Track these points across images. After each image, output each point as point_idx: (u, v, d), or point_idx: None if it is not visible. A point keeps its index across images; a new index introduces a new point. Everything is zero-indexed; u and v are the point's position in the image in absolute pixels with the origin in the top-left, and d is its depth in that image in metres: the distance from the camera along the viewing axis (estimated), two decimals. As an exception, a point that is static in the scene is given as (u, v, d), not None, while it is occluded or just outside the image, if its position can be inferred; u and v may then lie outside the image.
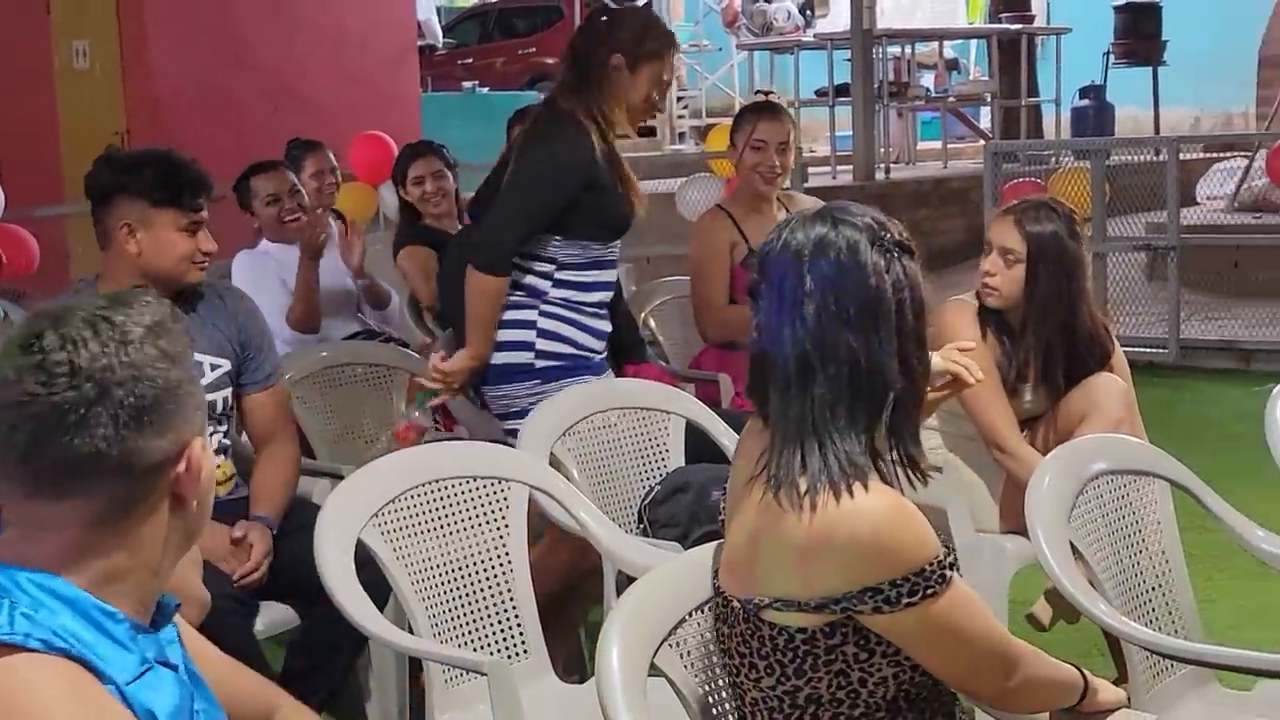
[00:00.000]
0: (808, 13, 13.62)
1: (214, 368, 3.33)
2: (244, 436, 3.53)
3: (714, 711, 2.06)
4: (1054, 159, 11.08)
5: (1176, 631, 2.73)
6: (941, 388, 2.17)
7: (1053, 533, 2.57)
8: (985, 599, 3.45)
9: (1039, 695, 2.00)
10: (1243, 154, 10.84)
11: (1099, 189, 8.17)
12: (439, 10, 17.83)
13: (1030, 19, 13.49)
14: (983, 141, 11.95)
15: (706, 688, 2.05)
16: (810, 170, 11.38)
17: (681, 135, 14.88)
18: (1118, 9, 13.19)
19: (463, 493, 2.87)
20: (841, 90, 11.48)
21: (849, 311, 1.87)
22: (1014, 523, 3.36)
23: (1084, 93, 13.39)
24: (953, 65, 14.40)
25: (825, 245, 1.91)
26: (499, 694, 2.45)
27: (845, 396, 1.87)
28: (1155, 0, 13.07)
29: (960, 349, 2.17)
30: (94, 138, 8.32)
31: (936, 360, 2.12)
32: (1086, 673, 2.06)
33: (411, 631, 2.73)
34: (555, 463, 3.31)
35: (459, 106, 12.88)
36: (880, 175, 11.20)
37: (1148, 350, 8.18)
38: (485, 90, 15.17)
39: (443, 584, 2.79)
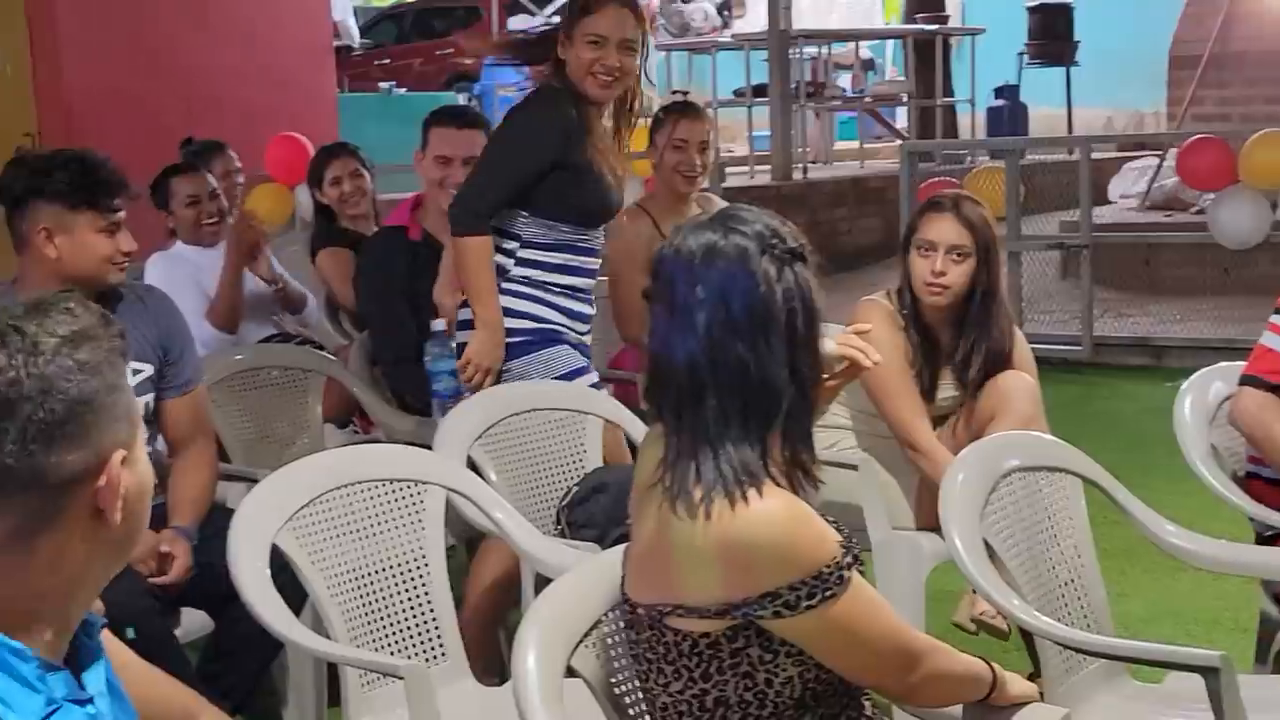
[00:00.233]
0: (725, 13, 13.67)
1: (135, 372, 3.27)
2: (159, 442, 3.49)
3: (631, 712, 2.06)
4: (969, 158, 11.21)
5: (1089, 626, 2.76)
6: (839, 374, 2.17)
7: (966, 530, 2.59)
8: (903, 595, 3.56)
9: (945, 689, 2.02)
10: (1154, 153, 11.00)
11: (1013, 188, 8.26)
12: (355, 10, 17.70)
13: (944, 19, 13.63)
14: (899, 141, 12.05)
15: (623, 689, 2.05)
16: (728, 170, 11.43)
17: (600, 135, 14.86)
18: (1031, 10, 13.35)
19: (379, 495, 2.85)
20: (759, 90, 11.53)
21: (738, 321, 1.87)
22: (929, 520, 3.39)
23: (999, 93, 13.55)
24: (869, 66, 14.52)
25: (715, 253, 1.90)
26: (415, 698, 2.43)
27: (737, 406, 1.87)
28: (1067, 1, 13.23)
29: (857, 331, 2.17)
30: (3, 139, 8.18)
31: (831, 346, 2.11)
32: (996, 666, 2.08)
33: (328, 636, 2.71)
34: (473, 465, 3.30)
35: (376, 107, 12.79)
36: (798, 175, 11.26)
37: (1062, 348, 8.28)
38: (403, 91, 15.08)
39: (359, 587, 2.77)
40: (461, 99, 15.24)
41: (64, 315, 1.53)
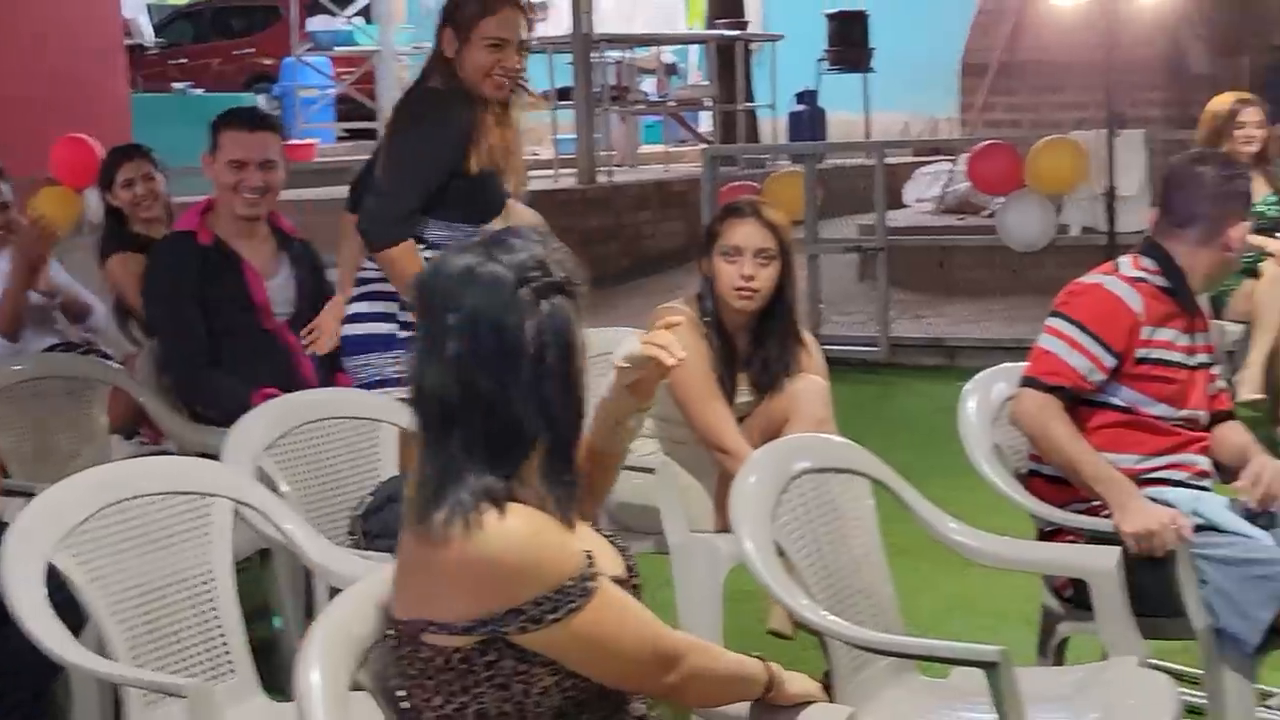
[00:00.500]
0: (529, 17, 13.65)
1: None
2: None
3: (417, 726, 2.03)
4: (770, 163, 11.36)
5: (878, 623, 2.81)
6: (647, 373, 2.17)
7: (757, 532, 2.62)
8: (700, 597, 3.59)
9: (710, 688, 2.03)
10: (948, 158, 11.28)
11: (811, 192, 8.40)
12: (149, 8, 17.24)
13: (745, 25, 13.81)
14: (703, 145, 12.18)
15: (408, 704, 2.02)
16: (532, 174, 11.41)
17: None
18: (829, 17, 13.60)
19: (162, 509, 2.76)
20: (563, 94, 11.53)
21: (486, 352, 1.87)
22: (728, 522, 3.42)
23: (799, 98, 13.78)
24: (672, 70, 14.64)
25: (470, 279, 1.89)
26: (199, 717, 2.37)
27: (481, 439, 1.87)
28: (863, 9, 13.52)
29: (666, 325, 2.17)
30: None
31: (635, 347, 2.12)
32: (774, 666, 2.10)
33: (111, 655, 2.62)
34: (264, 476, 3.23)
35: (171, 108, 12.48)
36: (603, 178, 11.29)
37: (860, 348, 8.44)
38: (200, 91, 14.75)
39: (143, 605, 2.68)
40: (261, 100, 14.97)
41: None
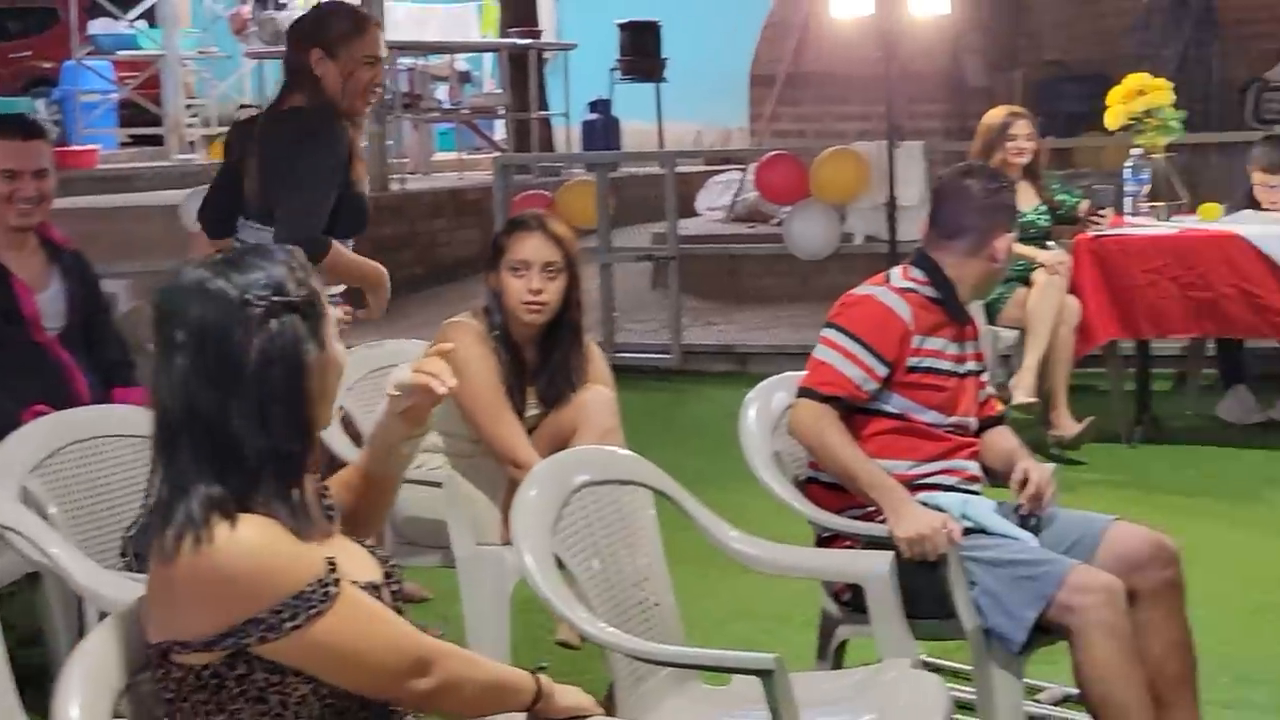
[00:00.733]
0: (319, 22, 13.44)
1: None
2: None
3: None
4: (565, 171, 11.39)
5: (660, 634, 2.83)
6: (419, 402, 2.16)
7: (537, 545, 2.62)
8: (488, 609, 3.57)
9: (467, 698, 2.01)
10: (738, 167, 11.44)
11: (603, 201, 8.44)
12: (-80, 9, 16.55)
13: (538, 34, 13.80)
14: (497, 154, 12.14)
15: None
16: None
17: (192, 144, 14.39)
18: (621, 27, 13.68)
19: (-82, 536, 2.65)
20: (355, 101, 11.38)
21: (210, 369, 1.86)
22: (515, 534, 3.41)
23: (592, 107, 13.83)
24: (466, 78, 14.54)
25: (199, 295, 1.88)
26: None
27: (207, 455, 1.87)
28: (655, 20, 13.62)
29: (439, 353, 2.17)
30: None
31: (406, 374, 2.13)
32: (543, 678, 2.10)
33: None
34: (30, 497, 3.12)
35: (-57, 112, 11.97)
36: (396, 186, 11.19)
37: (653, 356, 8.51)
38: (-27, 95, 14.21)
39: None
40: (40, 105, 14.48)
41: None
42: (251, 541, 1.83)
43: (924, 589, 3.06)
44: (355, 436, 3.90)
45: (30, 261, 4.10)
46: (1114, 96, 6.45)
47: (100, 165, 12.94)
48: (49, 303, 4.09)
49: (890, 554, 3.02)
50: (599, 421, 3.62)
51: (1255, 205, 6.55)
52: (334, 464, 2.72)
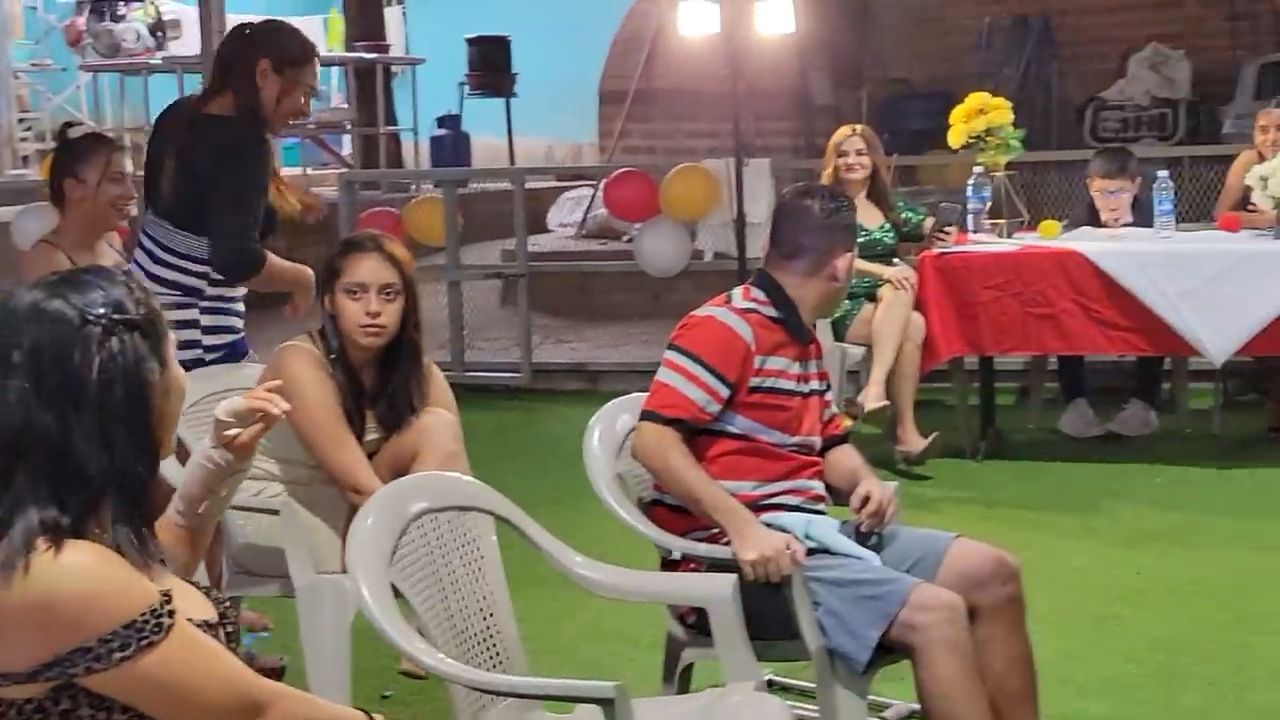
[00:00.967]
0: (158, 35, 13.16)
1: None
2: None
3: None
4: (414, 187, 11.29)
5: (502, 662, 2.80)
6: (250, 432, 2.11)
7: (373, 575, 2.57)
8: (327, 639, 3.50)
9: None
10: (589, 183, 11.46)
11: (452, 218, 8.38)
12: None
13: (385, 48, 13.68)
14: (344, 169, 12.00)
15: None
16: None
17: (25, 159, 14.00)
18: (470, 41, 13.61)
19: None
20: (194, 116, 11.16)
21: (48, 391, 1.81)
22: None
23: (441, 122, 13.74)
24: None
25: (35, 315, 1.83)
26: None
27: (46, 479, 1.81)
28: (504, 35, 13.59)
29: (269, 387, 2.13)
30: None
31: (240, 402, 2.10)
32: (377, 716, 2.06)
33: None
34: None
35: None
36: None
37: (504, 375, 8.48)
38: None
39: None
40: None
41: None
42: (81, 566, 1.77)
43: (768, 610, 3.07)
44: (190, 464, 3.81)
45: None
46: (956, 115, 6.57)
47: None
48: None
49: (734, 576, 3.03)
50: (440, 445, 3.58)
51: (1095, 219, 6.72)
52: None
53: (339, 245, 3.78)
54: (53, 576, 1.75)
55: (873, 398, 6.16)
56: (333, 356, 3.65)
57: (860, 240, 5.97)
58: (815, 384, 3.42)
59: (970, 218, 6.54)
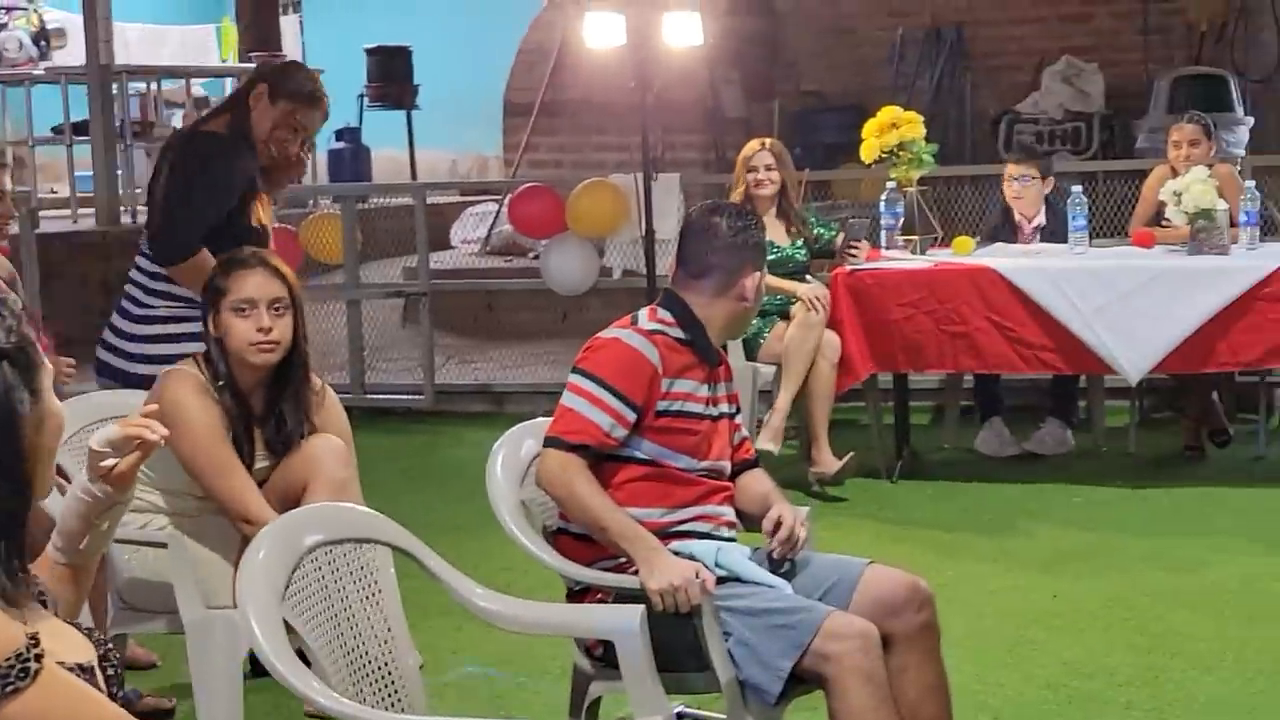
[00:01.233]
0: (42, 44, 12.95)
1: None
2: None
3: None
4: (311, 203, 11.19)
5: (400, 699, 2.78)
6: (128, 461, 2.07)
7: (264, 612, 2.54)
8: (219, 676, 3.45)
9: None
10: (495, 198, 11.41)
11: (351, 235, 8.32)
12: None
13: (280, 58, 13.55)
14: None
15: None
16: (49, 214, 10.83)
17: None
18: (369, 51, 13.53)
19: None
20: (81, 128, 11.00)
21: None
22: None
23: (339, 135, 13.63)
24: (203, 104, 14.20)
25: None
26: None
27: None
28: (406, 45, 13.52)
29: (146, 414, 2.09)
30: None
31: (114, 430, 2.06)
32: None
33: None
34: None
35: None
36: (127, 219, 10.84)
37: (405, 397, 8.42)
38: None
39: None
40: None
41: None
42: None
43: (678, 641, 3.06)
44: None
45: None
46: (868, 130, 6.63)
47: None
48: None
49: (641, 607, 3.01)
50: (331, 474, 3.55)
51: (1009, 227, 6.82)
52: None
53: (220, 264, 3.74)
54: None
55: (767, 434, 6.14)
56: (221, 383, 3.61)
57: (772, 257, 6.05)
58: (725, 407, 3.42)
59: (883, 234, 6.60)
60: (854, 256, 6.38)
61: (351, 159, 13.36)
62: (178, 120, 13.44)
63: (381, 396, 8.40)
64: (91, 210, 10.74)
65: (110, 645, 2.01)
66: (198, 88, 13.81)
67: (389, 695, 2.76)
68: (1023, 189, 6.76)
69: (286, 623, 2.59)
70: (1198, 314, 6.00)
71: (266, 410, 3.65)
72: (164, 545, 3.52)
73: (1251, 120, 10.83)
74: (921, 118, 6.71)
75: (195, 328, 4.10)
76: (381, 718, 2.56)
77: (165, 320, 4.41)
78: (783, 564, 3.29)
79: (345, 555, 2.81)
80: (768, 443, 6.09)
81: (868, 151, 6.63)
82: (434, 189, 11.04)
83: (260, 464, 3.63)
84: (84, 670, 1.89)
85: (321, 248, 8.28)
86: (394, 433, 7.90)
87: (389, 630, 2.83)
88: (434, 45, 13.97)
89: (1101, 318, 6.06)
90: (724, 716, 3.48)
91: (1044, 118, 11.36)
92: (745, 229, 3.36)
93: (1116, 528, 5.78)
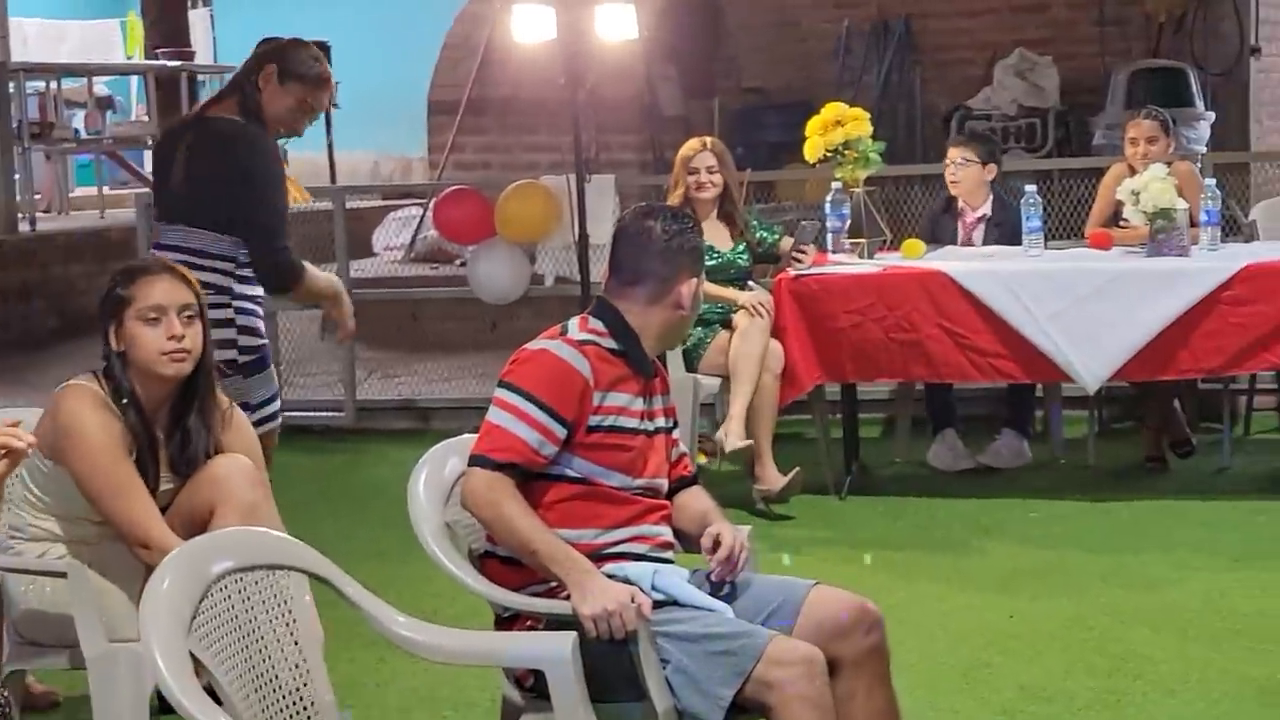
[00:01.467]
0: (-68, 40, 12.83)
1: None
2: None
3: None
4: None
5: (316, 734, 2.76)
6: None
7: (169, 645, 2.51)
8: (124, 713, 3.41)
9: None
10: (418, 202, 11.38)
11: (265, 242, 8.25)
12: None
13: (190, 55, 13.48)
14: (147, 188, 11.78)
15: None
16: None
17: None
18: (285, 48, 13.45)
19: None
20: (-27, 130, 10.89)
21: None
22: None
23: (254, 136, 13.55)
24: (108, 104, 14.08)
25: None
26: None
27: None
28: (325, 40, 13.45)
29: (8, 422, 2.08)
30: None
31: None
32: None
33: None
34: None
35: None
36: (25, 227, 10.75)
37: (324, 414, 8.37)
38: None
39: None
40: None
41: None
42: None
43: (612, 669, 3.06)
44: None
45: None
46: (811, 127, 6.64)
47: None
48: None
49: (573, 634, 3.01)
50: (240, 497, 3.53)
51: (950, 216, 6.88)
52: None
53: (119, 273, 3.71)
54: None
55: (734, 435, 6.13)
56: (124, 401, 3.58)
57: (712, 263, 6.08)
58: (661, 421, 3.41)
59: (829, 237, 6.61)
60: (800, 261, 6.38)
61: (266, 161, 13.27)
62: (79, 121, 13.34)
63: (299, 413, 8.33)
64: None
65: (5, 681, 1.99)
66: (100, 86, 13.71)
67: (305, 731, 2.74)
68: (959, 171, 6.81)
69: (194, 657, 2.56)
70: (1158, 318, 6.05)
71: (171, 427, 3.62)
72: (63, 575, 3.48)
73: (1212, 115, 10.94)
74: (868, 114, 6.73)
75: (219, 315, 4.37)
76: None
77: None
78: (723, 586, 3.29)
79: (257, 583, 2.79)
80: (738, 440, 6.08)
81: (811, 150, 6.65)
82: (354, 192, 11.00)
83: (165, 486, 3.60)
84: None
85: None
86: (313, 452, 7.86)
87: (305, 662, 2.81)
88: (353, 40, 13.90)
89: (1058, 323, 6.10)
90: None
91: (997, 114, 11.44)
92: (681, 233, 3.35)
93: (1075, 544, 5.83)
